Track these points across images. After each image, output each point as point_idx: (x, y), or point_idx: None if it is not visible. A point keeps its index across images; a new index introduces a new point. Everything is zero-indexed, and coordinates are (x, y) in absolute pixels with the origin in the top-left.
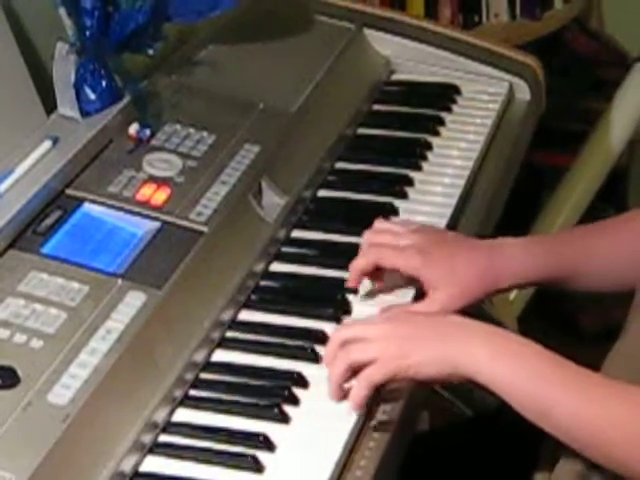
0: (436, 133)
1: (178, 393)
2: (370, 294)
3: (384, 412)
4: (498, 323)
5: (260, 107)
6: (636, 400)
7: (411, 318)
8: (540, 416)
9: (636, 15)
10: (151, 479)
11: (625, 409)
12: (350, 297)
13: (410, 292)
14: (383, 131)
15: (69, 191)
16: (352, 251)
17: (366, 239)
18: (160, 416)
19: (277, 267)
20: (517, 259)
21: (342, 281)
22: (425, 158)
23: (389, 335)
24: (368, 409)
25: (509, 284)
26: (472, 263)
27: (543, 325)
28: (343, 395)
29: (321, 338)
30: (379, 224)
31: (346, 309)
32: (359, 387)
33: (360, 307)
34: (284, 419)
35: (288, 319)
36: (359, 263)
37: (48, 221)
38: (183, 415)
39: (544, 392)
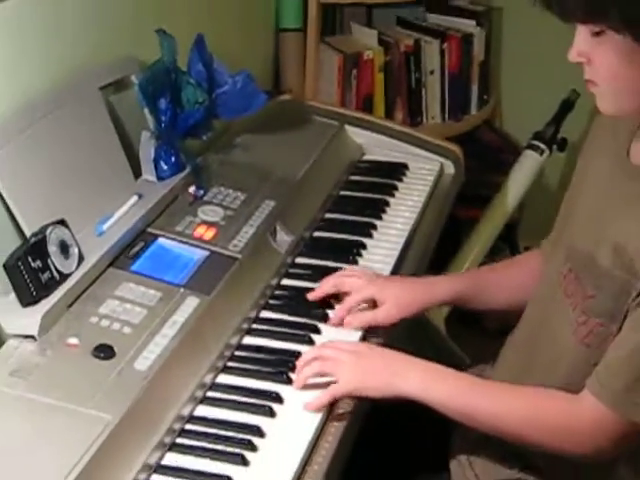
0: (392, 195)
1: (220, 364)
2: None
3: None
4: (430, 322)
5: (276, 175)
6: (523, 393)
7: (371, 353)
8: (466, 419)
9: (526, 119)
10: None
11: (517, 399)
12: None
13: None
14: (357, 193)
15: (149, 229)
16: (336, 272)
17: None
18: (209, 378)
19: (286, 282)
20: (440, 287)
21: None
22: (385, 211)
23: (355, 363)
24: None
25: (435, 303)
26: (410, 289)
27: (460, 325)
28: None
29: (315, 329)
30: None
31: (326, 315)
32: (324, 397)
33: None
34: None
35: (293, 318)
36: (324, 290)
37: (135, 249)
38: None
39: (465, 402)
